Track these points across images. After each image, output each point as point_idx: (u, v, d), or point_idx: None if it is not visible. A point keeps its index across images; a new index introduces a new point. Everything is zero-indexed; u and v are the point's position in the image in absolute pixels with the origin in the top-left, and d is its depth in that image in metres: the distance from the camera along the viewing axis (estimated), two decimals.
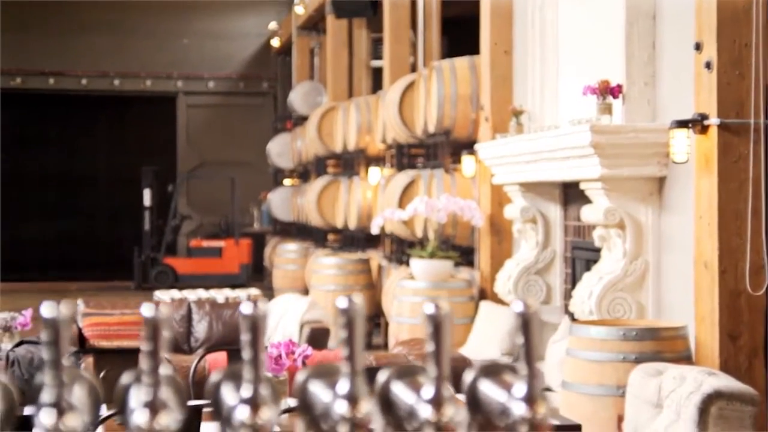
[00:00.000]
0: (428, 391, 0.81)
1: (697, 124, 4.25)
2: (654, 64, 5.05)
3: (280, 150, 13.51)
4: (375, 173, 9.52)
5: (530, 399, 0.79)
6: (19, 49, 15.41)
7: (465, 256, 7.50)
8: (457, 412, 0.81)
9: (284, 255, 11.72)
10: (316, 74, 13.47)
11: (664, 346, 4.18)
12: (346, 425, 0.79)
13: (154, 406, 0.79)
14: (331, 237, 11.30)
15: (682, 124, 4.35)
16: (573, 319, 5.15)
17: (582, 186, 5.31)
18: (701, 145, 4.29)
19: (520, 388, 0.80)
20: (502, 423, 0.82)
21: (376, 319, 9.06)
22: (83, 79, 15.93)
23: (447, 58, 7.94)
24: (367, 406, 0.80)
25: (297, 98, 12.81)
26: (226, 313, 6.93)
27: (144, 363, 0.79)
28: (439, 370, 0.81)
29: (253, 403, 0.80)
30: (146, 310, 0.79)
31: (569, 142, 5.15)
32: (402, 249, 8.53)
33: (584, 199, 5.43)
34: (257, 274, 14.17)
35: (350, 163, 10.69)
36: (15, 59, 15.44)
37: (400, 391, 0.86)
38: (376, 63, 11.11)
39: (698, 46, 4.26)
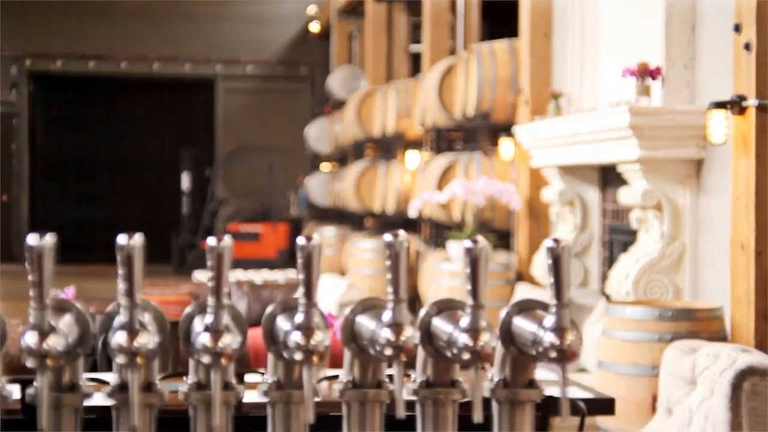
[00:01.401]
0: (465, 320, 0.88)
1: (735, 105, 4.25)
2: (694, 47, 5.05)
3: (318, 134, 13.58)
4: (413, 157, 9.57)
5: (559, 328, 0.85)
6: (59, 33, 15.62)
7: (502, 239, 7.54)
8: (491, 338, 0.87)
9: (321, 239, 11.79)
10: (355, 58, 13.52)
11: (699, 326, 4.20)
12: (390, 349, 0.86)
13: (217, 328, 0.86)
14: (368, 222, 11.37)
15: (720, 105, 4.36)
16: (609, 301, 5.18)
17: (620, 168, 5.33)
18: (739, 126, 4.30)
19: (549, 319, 0.87)
20: (533, 351, 0.88)
21: (413, 304, 9.13)
22: (123, 63, 16.12)
23: (486, 41, 7.97)
24: (410, 331, 0.87)
25: (335, 82, 12.87)
26: (265, 293, 7.05)
27: (209, 291, 0.87)
28: (476, 300, 0.87)
29: (306, 327, 0.87)
30: (211, 241, 0.87)
31: (608, 124, 5.18)
32: (439, 233, 8.58)
33: (622, 183, 5.45)
34: (294, 259, 14.28)
35: (388, 147, 10.74)
36: (56, 42, 15.65)
37: (440, 323, 0.93)
38: (414, 47, 11.15)
39: (737, 28, 4.26)
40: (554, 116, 6.31)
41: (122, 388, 0.97)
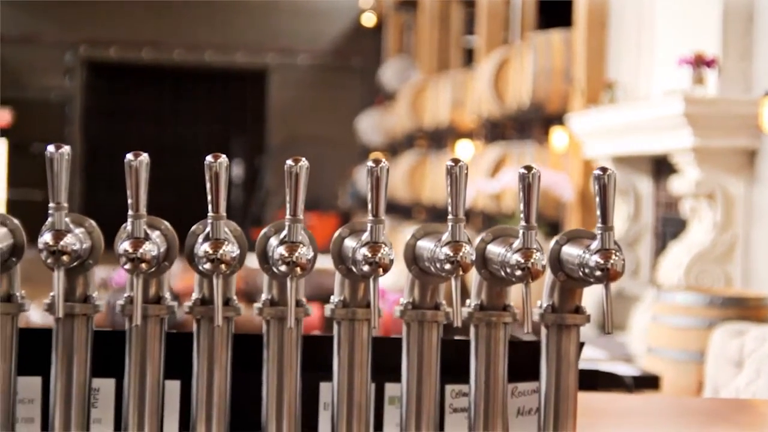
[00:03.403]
0: (518, 241, 0.96)
1: None
2: (750, 37, 5.04)
3: (370, 126, 13.69)
4: (465, 148, 9.63)
5: (603, 249, 0.93)
6: (114, 20, 15.88)
7: (551, 228, 7.57)
8: (542, 257, 0.95)
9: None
10: (407, 50, 13.60)
11: (748, 313, 4.22)
12: (449, 264, 0.94)
13: (293, 240, 0.96)
14: (417, 213, 11.45)
15: None
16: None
17: (673, 157, 5.34)
18: None
19: (595, 242, 0.94)
20: (580, 273, 0.96)
21: (463, 293, 9.15)
22: (176, 51, 16.35)
23: (541, 30, 7.99)
24: (468, 248, 0.95)
25: (388, 74, 12.96)
26: (314, 278, 7.16)
27: (287, 208, 0.96)
28: (528, 222, 0.95)
29: (374, 242, 0.96)
30: (291, 162, 0.96)
31: (662, 113, 5.19)
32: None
33: (674, 173, 5.46)
34: None
35: (440, 138, 10.81)
36: (110, 30, 15.92)
37: (494, 248, 1.01)
38: (467, 40, 11.19)
39: None
40: (608, 105, 6.33)
41: (203, 302, 1.07)
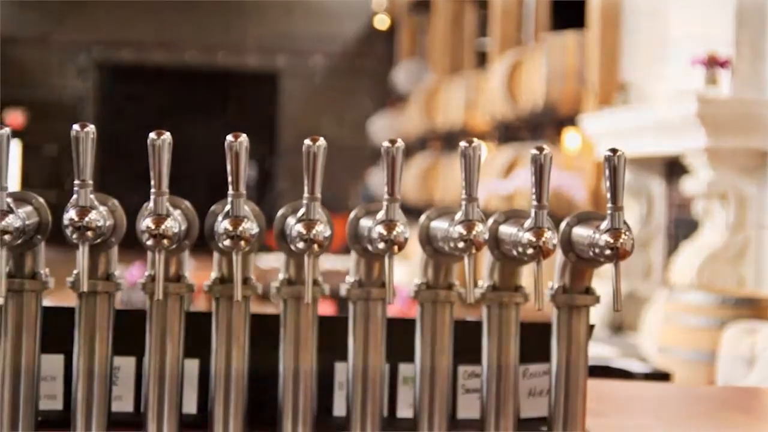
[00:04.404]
0: (529, 221, 0.98)
1: None
2: (764, 37, 5.05)
3: (382, 128, 13.71)
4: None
5: (613, 229, 0.95)
6: (126, 22, 15.95)
7: None
8: (553, 235, 0.97)
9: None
10: (420, 52, 13.62)
11: (761, 314, 4.22)
12: (462, 242, 0.97)
13: (310, 218, 0.98)
14: None
15: None
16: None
17: (686, 158, 5.35)
18: None
19: (604, 222, 0.96)
20: (590, 253, 0.98)
21: None
22: (187, 53, 16.40)
23: (554, 31, 8.01)
24: (481, 227, 0.97)
25: (400, 76, 12.99)
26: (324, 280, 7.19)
27: (305, 185, 0.99)
28: (540, 202, 0.97)
29: (390, 221, 0.98)
30: (309, 141, 0.99)
31: (675, 113, 5.20)
32: None
33: (687, 174, 5.47)
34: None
35: (453, 140, 10.82)
36: (122, 32, 15.99)
37: (506, 228, 1.03)
38: (481, 40, 11.21)
39: None
40: (621, 106, 6.34)
41: (221, 281, 1.09)
